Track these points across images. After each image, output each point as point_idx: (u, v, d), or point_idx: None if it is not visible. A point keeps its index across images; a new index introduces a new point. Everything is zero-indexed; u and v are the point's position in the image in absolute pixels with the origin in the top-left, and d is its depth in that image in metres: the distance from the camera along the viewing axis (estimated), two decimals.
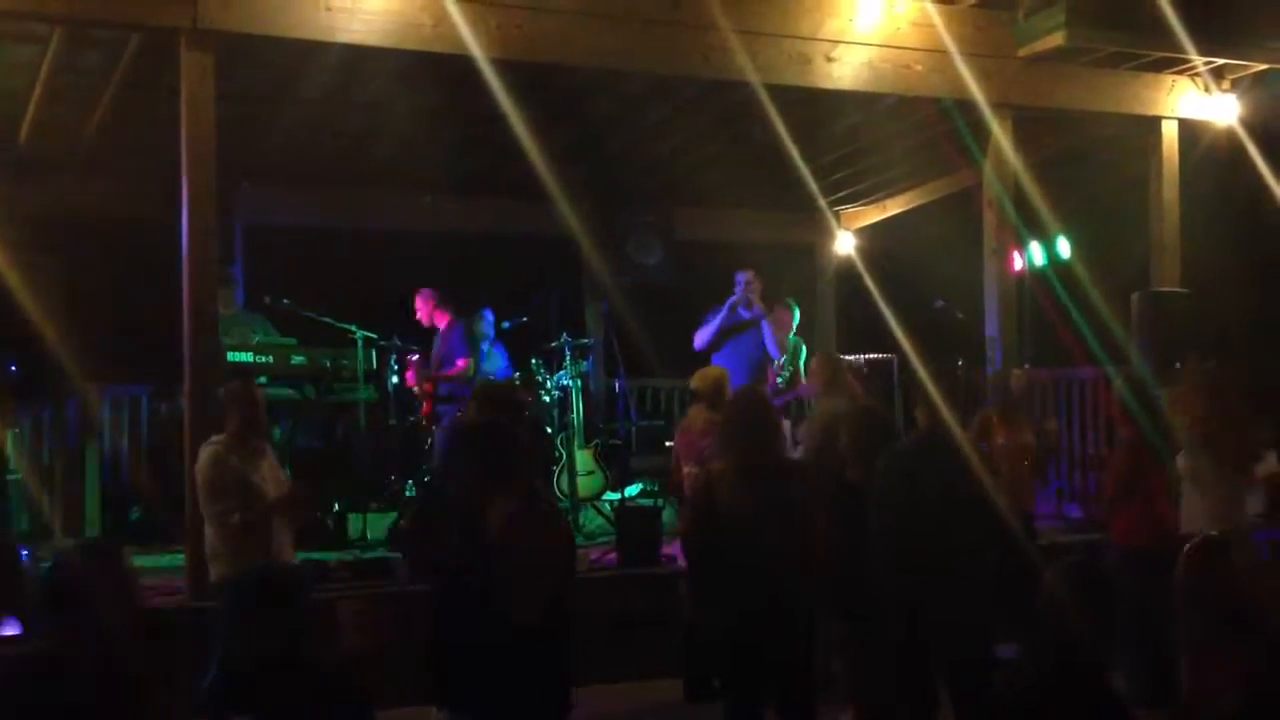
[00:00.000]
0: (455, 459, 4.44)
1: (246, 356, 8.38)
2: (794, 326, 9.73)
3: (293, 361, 8.68)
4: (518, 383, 9.33)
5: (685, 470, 7.13)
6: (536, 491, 4.38)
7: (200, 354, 6.64)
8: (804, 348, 9.62)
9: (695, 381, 7.62)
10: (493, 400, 6.33)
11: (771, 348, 9.03)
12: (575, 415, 9.58)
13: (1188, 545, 4.24)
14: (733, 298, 9.15)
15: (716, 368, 7.97)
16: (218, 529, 5.83)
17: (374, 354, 8.96)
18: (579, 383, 9.77)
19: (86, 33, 7.43)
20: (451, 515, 4.35)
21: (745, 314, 9.15)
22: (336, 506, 8.62)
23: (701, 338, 9.22)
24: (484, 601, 4.06)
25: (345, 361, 8.66)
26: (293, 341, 8.90)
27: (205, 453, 5.88)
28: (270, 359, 8.53)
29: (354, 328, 8.69)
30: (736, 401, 5.84)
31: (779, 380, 9.02)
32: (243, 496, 5.79)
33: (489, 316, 10.04)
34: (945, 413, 5.41)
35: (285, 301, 8.86)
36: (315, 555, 7.54)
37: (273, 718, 3.44)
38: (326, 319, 8.82)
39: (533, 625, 4.05)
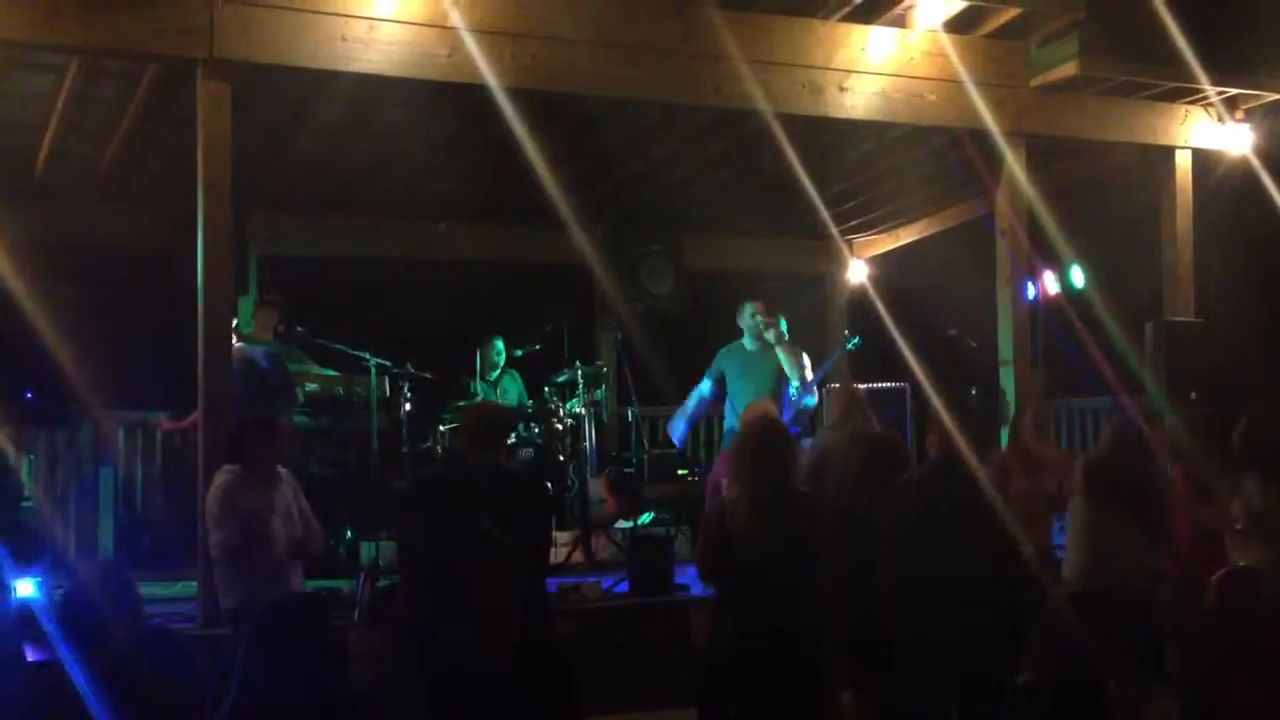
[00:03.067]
0: (412, 514, 4.52)
1: None
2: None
3: (306, 389, 8.69)
4: (530, 410, 9.34)
5: None
6: (489, 535, 4.44)
7: (213, 382, 6.66)
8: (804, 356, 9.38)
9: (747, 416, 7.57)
10: (481, 424, 6.07)
11: (789, 370, 8.89)
12: (587, 443, 9.55)
13: (1215, 576, 4.23)
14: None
15: (762, 404, 7.91)
16: (217, 558, 5.85)
17: (387, 381, 8.95)
18: (591, 411, 9.74)
19: (102, 63, 7.48)
20: (412, 566, 4.42)
21: (749, 347, 9.02)
22: (349, 534, 8.61)
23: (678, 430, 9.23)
24: (455, 648, 4.14)
25: (358, 389, 8.66)
26: (312, 368, 8.91)
27: (216, 480, 5.90)
28: None
29: (367, 355, 8.69)
30: (750, 430, 5.82)
31: (790, 397, 8.90)
32: (249, 530, 5.80)
33: (499, 345, 10.04)
34: (958, 441, 5.39)
35: (299, 329, 8.88)
36: (327, 583, 7.53)
37: None
38: (340, 346, 8.84)
39: (508, 664, 4.09)
